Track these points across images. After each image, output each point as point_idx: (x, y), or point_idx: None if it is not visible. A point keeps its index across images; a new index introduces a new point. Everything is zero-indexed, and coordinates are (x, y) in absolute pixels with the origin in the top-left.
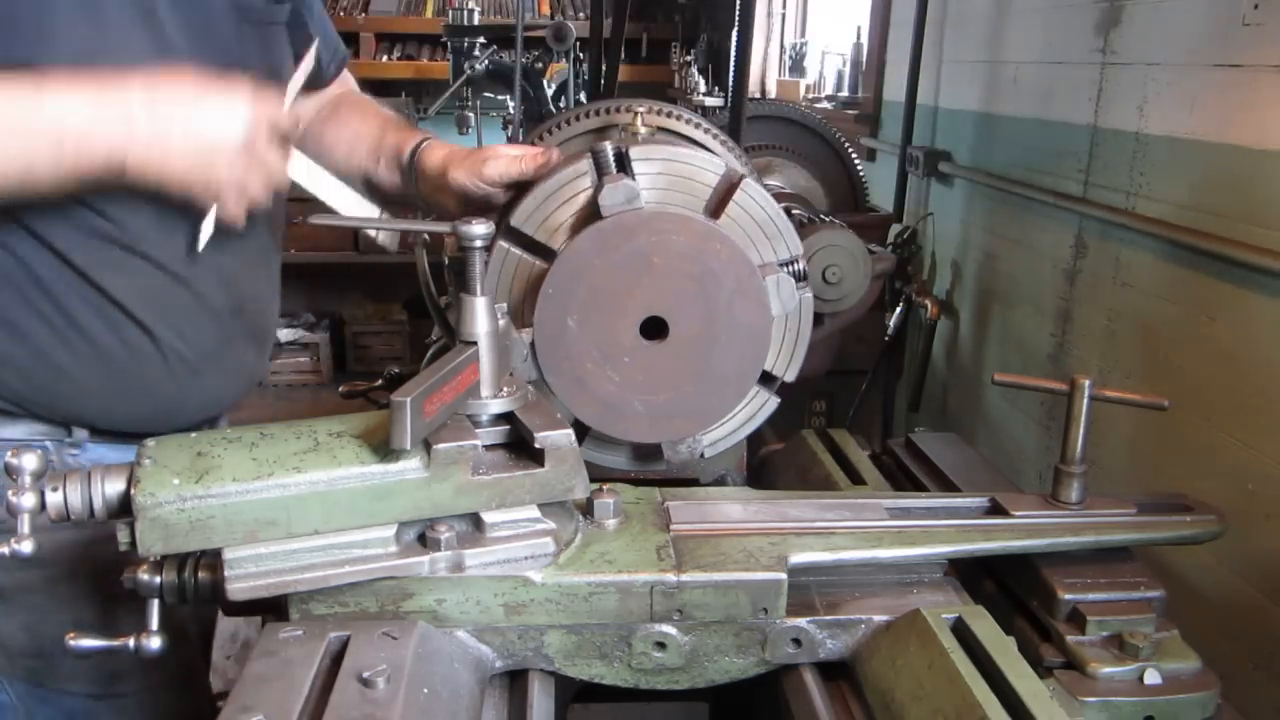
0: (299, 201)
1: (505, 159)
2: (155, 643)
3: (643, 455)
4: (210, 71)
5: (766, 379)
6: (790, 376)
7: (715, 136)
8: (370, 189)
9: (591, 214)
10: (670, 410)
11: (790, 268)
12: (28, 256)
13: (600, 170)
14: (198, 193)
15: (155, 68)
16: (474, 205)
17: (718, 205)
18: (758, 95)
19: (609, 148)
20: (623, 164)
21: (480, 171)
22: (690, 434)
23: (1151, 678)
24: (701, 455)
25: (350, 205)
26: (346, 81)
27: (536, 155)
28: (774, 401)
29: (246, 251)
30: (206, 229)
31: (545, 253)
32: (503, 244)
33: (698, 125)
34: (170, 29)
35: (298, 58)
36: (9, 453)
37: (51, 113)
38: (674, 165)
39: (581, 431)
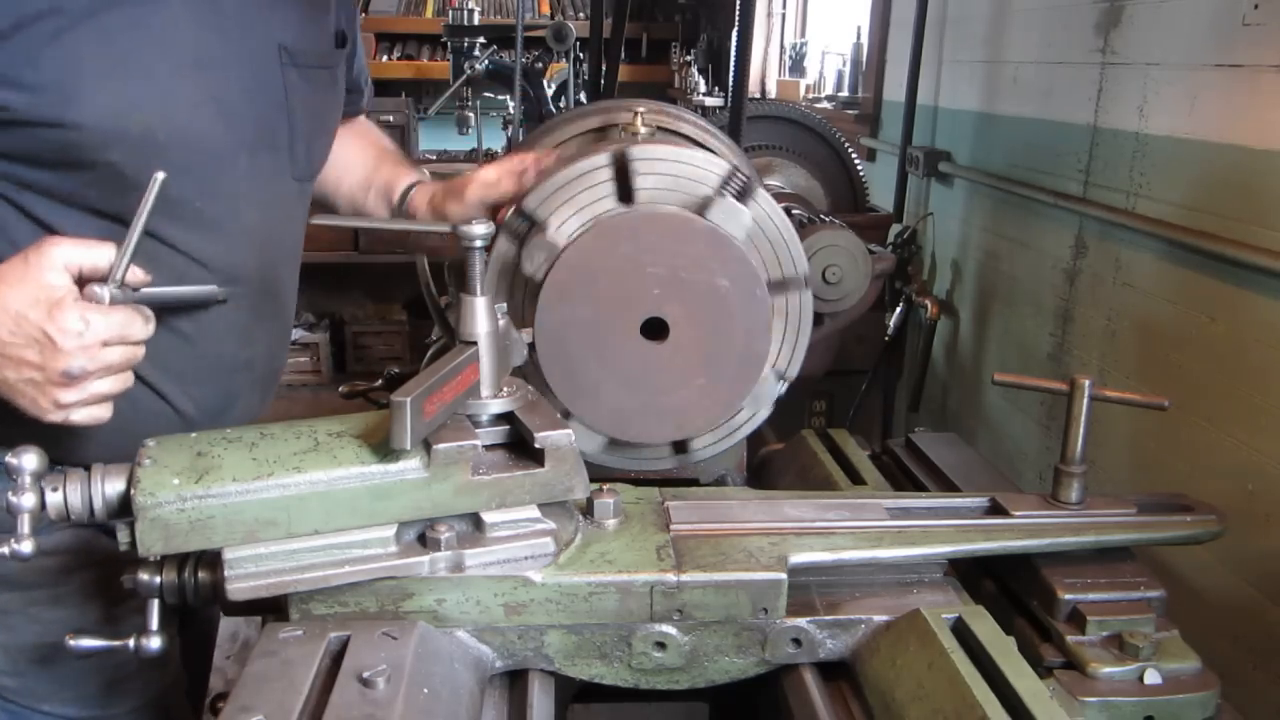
0: None
1: (480, 185)
2: (155, 643)
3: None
4: (261, 121)
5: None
6: (791, 374)
7: (715, 136)
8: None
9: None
10: (668, 411)
11: (732, 184)
12: None
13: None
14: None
15: (201, 121)
16: None
17: None
18: (758, 95)
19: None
20: (624, 174)
21: (463, 198)
22: (690, 435)
23: (1151, 678)
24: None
25: None
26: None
27: (513, 172)
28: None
29: (262, 302)
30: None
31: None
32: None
33: (698, 125)
34: (216, 77)
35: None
36: (9, 452)
37: None
38: (678, 166)
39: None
